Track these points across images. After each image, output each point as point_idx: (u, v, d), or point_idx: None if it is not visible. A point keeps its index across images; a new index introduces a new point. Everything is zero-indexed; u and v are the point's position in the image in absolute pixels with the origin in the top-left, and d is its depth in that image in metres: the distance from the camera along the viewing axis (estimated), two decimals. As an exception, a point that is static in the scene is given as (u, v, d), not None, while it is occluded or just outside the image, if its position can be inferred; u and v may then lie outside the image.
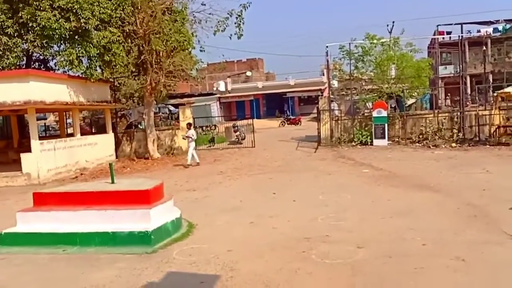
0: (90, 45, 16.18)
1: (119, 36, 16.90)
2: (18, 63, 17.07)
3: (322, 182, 11.75)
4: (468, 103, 24.35)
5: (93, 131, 25.23)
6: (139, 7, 17.70)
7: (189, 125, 17.79)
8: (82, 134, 18.37)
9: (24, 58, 18.19)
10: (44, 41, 15.92)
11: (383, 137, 19.82)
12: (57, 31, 15.24)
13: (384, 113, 19.95)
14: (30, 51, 16.92)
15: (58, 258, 6.47)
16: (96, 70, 17.44)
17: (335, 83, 33.96)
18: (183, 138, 19.62)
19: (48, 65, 20.04)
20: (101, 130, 21.43)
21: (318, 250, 6.12)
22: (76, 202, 7.24)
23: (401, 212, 8.02)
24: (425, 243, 6.20)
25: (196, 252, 6.34)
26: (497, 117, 19.14)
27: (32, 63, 19.15)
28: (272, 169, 14.65)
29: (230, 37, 19.82)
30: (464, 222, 7.24)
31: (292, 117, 42.07)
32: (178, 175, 14.45)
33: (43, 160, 14.89)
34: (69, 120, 25.87)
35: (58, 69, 18.28)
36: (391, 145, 19.58)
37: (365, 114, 23.12)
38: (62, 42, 16.49)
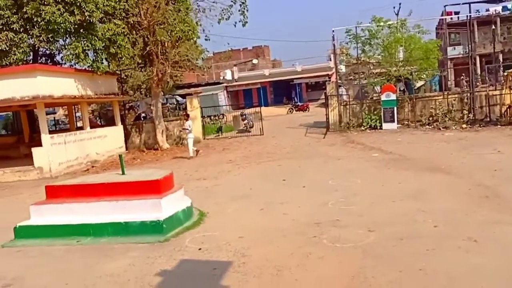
0: (96, 38, 16.21)
1: (123, 28, 16.89)
2: (25, 59, 17.18)
3: (331, 168, 11.73)
4: (478, 83, 23.98)
5: (102, 123, 25.40)
6: (143, -2, 17.65)
7: (186, 116, 17.70)
8: (91, 127, 18.49)
9: (31, 53, 18.29)
10: (50, 36, 15.96)
11: (393, 121, 19.69)
12: (62, 25, 15.27)
13: (393, 97, 19.79)
14: (37, 46, 17.01)
15: (73, 249, 6.57)
16: (103, 63, 17.50)
17: (342, 68, 33.74)
18: (180, 131, 19.60)
19: (55, 59, 20.15)
20: (110, 122, 21.56)
21: (329, 235, 6.14)
22: (88, 193, 7.32)
23: (412, 195, 7.99)
24: (436, 224, 6.19)
25: (208, 240, 6.39)
26: (507, 97, 18.88)
27: (39, 58, 19.25)
28: (281, 156, 14.65)
29: (235, 25, 19.76)
30: (475, 203, 7.20)
31: (300, 104, 41.83)
32: (188, 165, 14.51)
33: (54, 153, 15.04)
34: (78, 114, 26.05)
35: (65, 63, 18.39)
36: (400, 129, 19.45)
37: (374, 98, 22.95)
38: (67, 36, 16.52)
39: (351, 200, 7.99)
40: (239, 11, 19.34)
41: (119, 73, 21.19)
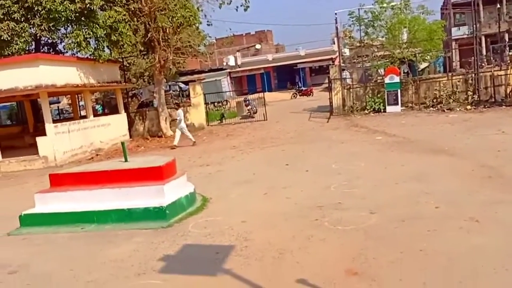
0: (97, 25, 16.16)
1: (124, 15, 16.80)
2: (27, 48, 17.19)
3: (335, 151, 11.71)
4: (483, 64, 23.65)
5: (106, 111, 25.44)
6: (143, -16, 17.51)
7: (176, 105, 17.55)
8: (95, 115, 18.53)
9: (33, 42, 18.26)
10: (51, 24, 15.93)
11: (396, 103, 19.56)
12: (62, 13, 15.22)
13: (397, 79, 19.63)
14: (38, 35, 16.98)
15: (77, 236, 6.65)
16: (104, 50, 17.45)
17: (346, 51, 33.39)
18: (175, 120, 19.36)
19: (56, 48, 20.13)
20: (114, 110, 21.59)
21: (331, 217, 6.16)
22: (91, 181, 7.37)
23: (415, 177, 7.98)
24: (438, 205, 6.19)
25: (211, 225, 6.44)
26: (513, 77, 18.67)
27: (41, 47, 19.25)
28: (285, 141, 14.64)
29: (237, 9, 19.61)
30: (478, 184, 7.18)
31: (303, 88, 41.59)
32: (192, 151, 14.55)
33: (59, 142, 15.12)
34: (81, 103, 26.10)
35: (67, 52, 18.36)
36: (404, 111, 19.33)
37: (378, 81, 22.78)
38: (68, 24, 16.49)
39: (354, 183, 8.00)
40: (240, -5, 19.17)
41: (121, 60, 21.14)
